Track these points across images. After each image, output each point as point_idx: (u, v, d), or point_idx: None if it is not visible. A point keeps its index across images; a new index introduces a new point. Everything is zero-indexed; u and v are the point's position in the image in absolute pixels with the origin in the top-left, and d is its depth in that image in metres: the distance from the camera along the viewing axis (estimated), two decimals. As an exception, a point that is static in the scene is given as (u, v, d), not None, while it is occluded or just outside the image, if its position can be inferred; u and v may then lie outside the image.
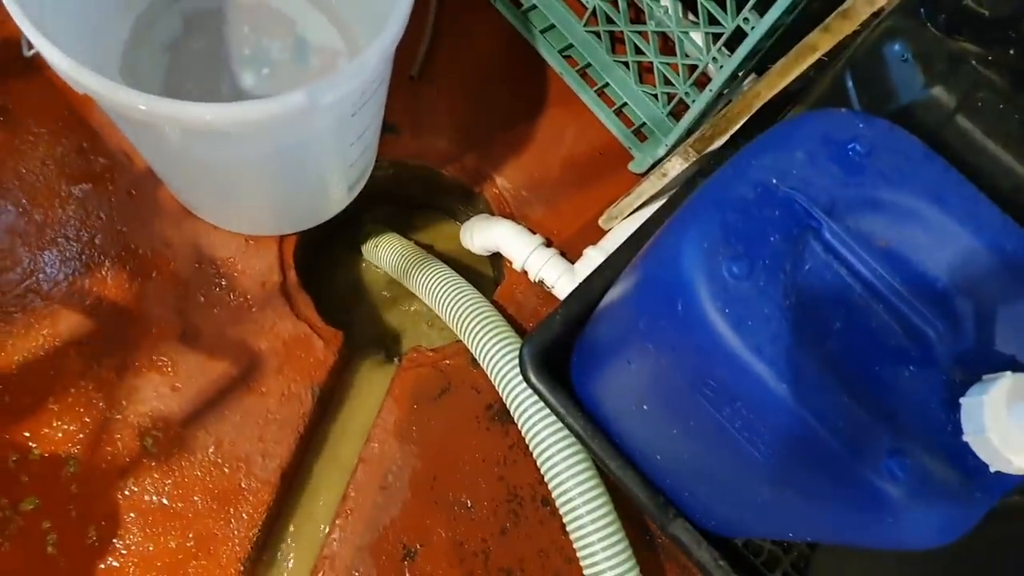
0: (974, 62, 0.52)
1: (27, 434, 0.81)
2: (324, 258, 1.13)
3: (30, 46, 0.57)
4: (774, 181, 0.48)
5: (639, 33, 0.99)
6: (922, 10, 0.53)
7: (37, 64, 0.93)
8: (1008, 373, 0.43)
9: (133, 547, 0.80)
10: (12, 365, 0.82)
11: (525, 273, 0.98)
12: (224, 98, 0.83)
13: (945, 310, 0.48)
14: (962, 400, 0.45)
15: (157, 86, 0.82)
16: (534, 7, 1.10)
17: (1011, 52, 0.52)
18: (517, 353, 0.81)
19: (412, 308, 1.13)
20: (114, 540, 0.79)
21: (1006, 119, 0.52)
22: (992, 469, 0.44)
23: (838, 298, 0.48)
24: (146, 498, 0.81)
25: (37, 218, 0.88)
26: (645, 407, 0.62)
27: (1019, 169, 0.52)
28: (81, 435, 0.82)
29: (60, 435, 0.81)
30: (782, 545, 0.83)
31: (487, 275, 1.16)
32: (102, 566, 0.78)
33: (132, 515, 0.80)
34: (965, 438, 0.45)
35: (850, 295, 0.48)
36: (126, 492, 0.81)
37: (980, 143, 0.53)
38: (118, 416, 0.83)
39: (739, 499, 0.60)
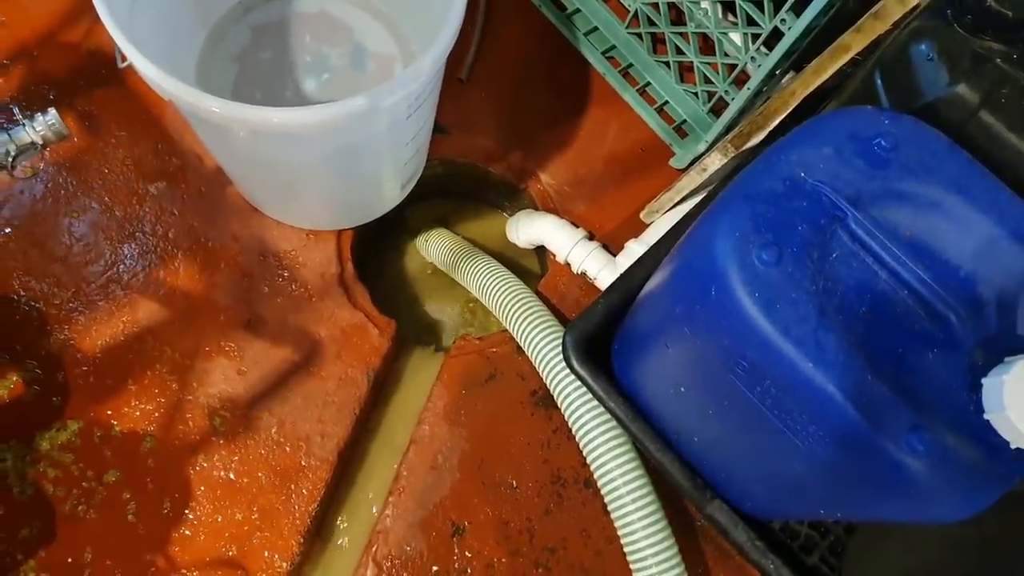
0: (998, 60, 0.54)
1: (109, 412, 0.88)
2: (378, 251, 1.18)
3: (123, 58, 0.63)
4: (802, 175, 0.51)
5: (680, 34, 1.02)
6: (949, 11, 0.56)
7: (118, 74, 1.00)
8: (1028, 355, 0.46)
9: (203, 517, 0.86)
10: (96, 349, 0.90)
11: (568, 265, 1.02)
12: (288, 103, 0.89)
13: (968, 296, 0.51)
14: (983, 380, 0.48)
15: (227, 93, 0.88)
16: (578, 11, 1.14)
17: (1034, 51, 0.54)
18: (560, 341, 0.84)
19: (460, 299, 1.18)
20: (186, 511, 0.86)
21: (1028, 114, 0.54)
22: (1012, 446, 0.47)
23: (864, 285, 0.50)
24: (215, 473, 0.88)
25: (118, 214, 0.96)
26: (682, 389, 0.65)
27: (1040, 162, 0.54)
28: (157, 414, 0.89)
29: (138, 414, 0.88)
30: (819, 529, 0.85)
31: (532, 268, 1.20)
32: (175, 534, 0.85)
33: (202, 488, 0.87)
34: (986, 416, 0.47)
35: (875, 282, 0.51)
36: (197, 467, 0.88)
37: (1003, 137, 0.55)
38: (189, 397, 0.90)
39: (772, 477, 0.63)
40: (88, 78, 1.00)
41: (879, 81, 0.61)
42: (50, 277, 0.92)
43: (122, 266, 0.93)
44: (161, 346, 0.91)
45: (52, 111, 0.71)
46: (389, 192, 0.94)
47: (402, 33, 0.93)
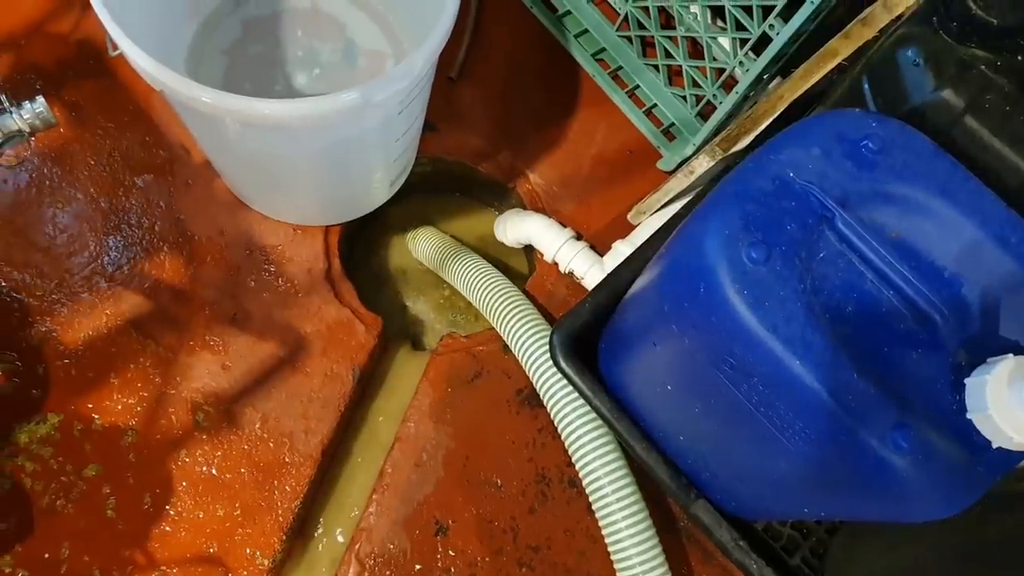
0: (983, 67, 0.56)
1: (90, 406, 0.87)
2: (365, 248, 1.18)
3: (115, 47, 0.63)
4: (791, 175, 0.52)
5: (669, 38, 1.03)
6: (935, 18, 0.57)
7: (106, 66, 0.99)
8: (1010, 355, 0.47)
9: (185, 513, 0.85)
10: (78, 342, 0.89)
11: (556, 265, 1.02)
12: (278, 97, 0.88)
13: (952, 298, 0.51)
14: (966, 380, 0.48)
15: (216, 86, 0.87)
16: (569, 13, 1.15)
17: (1019, 58, 0.55)
18: (547, 340, 0.84)
19: (447, 297, 1.18)
20: (167, 507, 0.85)
21: (1012, 120, 0.55)
22: (994, 445, 0.47)
23: (850, 284, 0.51)
24: (197, 469, 0.87)
25: (103, 206, 0.95)
26: (669, 388, 0.65)
27: (1023, 166, 0.55)
28: (139, 408, 0.88)
29: (120, 407, 0.87)
30: (801, 530, 0.86)
31: (519, 267, 1.20)
32: (156, 530, 0.84)
33: (184, 484, 0.86)
34: (969, 416, 0.48)
35: (862, 282, 0.52)
36: (179, 462, 0.87)
37: (987, 142, 0.56)
38: (172, 391, 0.89)
39: (757, 475, 0.63)
40: (76, 69, 0.99)
41: (867, 85, 0.62)
42: (33, 267, 0.90)
43: (106, 258, 0.93)
44: (144, 339, 0.90)
45: (40, 99, 0.70)
46: (378, 188, 0.94)
47: (394, 30, 0.93)
